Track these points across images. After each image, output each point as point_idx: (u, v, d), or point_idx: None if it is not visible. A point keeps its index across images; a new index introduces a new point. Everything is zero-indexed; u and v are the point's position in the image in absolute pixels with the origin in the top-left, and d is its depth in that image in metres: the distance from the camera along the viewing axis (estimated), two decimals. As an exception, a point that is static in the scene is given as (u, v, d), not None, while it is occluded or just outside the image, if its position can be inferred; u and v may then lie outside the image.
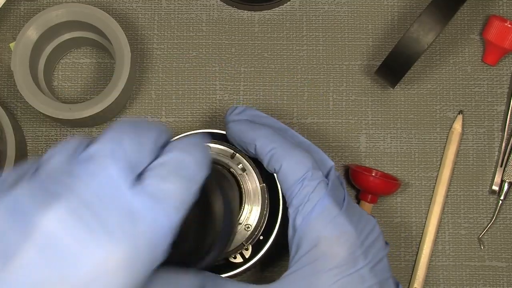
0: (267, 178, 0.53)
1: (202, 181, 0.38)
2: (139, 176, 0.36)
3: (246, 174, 0.53)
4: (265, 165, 0.50)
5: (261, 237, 0.53)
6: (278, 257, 0.61)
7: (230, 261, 0.53)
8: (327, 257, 0.46)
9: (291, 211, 0.48)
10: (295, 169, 0.49)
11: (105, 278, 0.33)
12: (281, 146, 0.50)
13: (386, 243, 0.50)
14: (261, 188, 0.52)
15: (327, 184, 0.48)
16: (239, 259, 0.53)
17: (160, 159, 0.37)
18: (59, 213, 0.33)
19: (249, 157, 0.53)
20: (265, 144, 0.50)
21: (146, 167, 0.37)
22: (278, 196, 0.53)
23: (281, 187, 0.50)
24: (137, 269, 0.34)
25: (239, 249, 0.52)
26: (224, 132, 0.55)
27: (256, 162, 0.53)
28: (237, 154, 0.53)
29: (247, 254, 0.52)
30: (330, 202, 0.48)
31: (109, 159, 0.35)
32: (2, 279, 0.32)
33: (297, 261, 0.47)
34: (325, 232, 0.47)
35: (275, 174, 0.52)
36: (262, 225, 0.53)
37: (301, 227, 0.48)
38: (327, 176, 0.50)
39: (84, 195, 0.34)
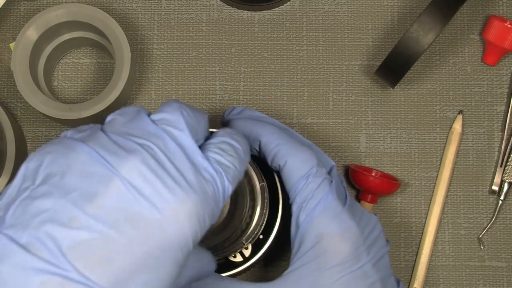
0: (266, 177, 0.53)
1: (246, 165, 0.44)
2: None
3: (246, 173, 0.53)
4: (269, 162, 0.51)
5: (261, 236, 0.53)
6: (278, 256, 0.61)
7: (230, 260, 0.53)
8: (331, 254, 0.47)
9: (294, 207, 0.49)
10: (299, 166, 0.49)
11: (175, 225, 0.37)
12: (286, 143, 0.50)
13: (387, 240, 0.51)
14: (261, 187, 0.52)
15: (331, 181, 0.49)
16: (239, 258, 0.53)
17: (215, 139, 0.43)
18: (137, 164, 0.37)
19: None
20: (270, 141, 0.50)
21: (203, 143, 0.42)
22: (278, 195, 0.53)
23: (285, 184, 0.50)
24: (203, 220, 0.38)
25: (239, 248, 0.52)
26: None
27: (255, 161, 0.53)
28: None
29: (247, 253, 0.52)
30: (334, 199, 0.48)
31: (181, 123, 0.40)
32: (87, 212, 0.36)
33: (300, 258, 0.47)
34: (328, 228, 0.47)
35: (274, 173, 0.52)
36: (262, 224, 0.53)
37: (305, 224, 0.48)
38: (329, 173, 0.50)
39: (159, 151, 0.38)
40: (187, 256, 0.39)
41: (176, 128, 0.40)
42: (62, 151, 0.39)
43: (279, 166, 0.50)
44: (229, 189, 0.41)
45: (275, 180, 0.53)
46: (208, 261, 0.46)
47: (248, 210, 0.52)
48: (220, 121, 0.63)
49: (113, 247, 0.36)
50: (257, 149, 0.51)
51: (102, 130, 0.40)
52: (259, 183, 0.52)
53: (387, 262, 0.49)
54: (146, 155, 0.38)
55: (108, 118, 0.41)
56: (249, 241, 0.52)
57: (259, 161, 0.52)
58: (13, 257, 0.36)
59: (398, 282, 0.50)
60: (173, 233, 0.37)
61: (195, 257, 0.45)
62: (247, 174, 0.52)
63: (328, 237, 0.47)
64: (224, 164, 0.41)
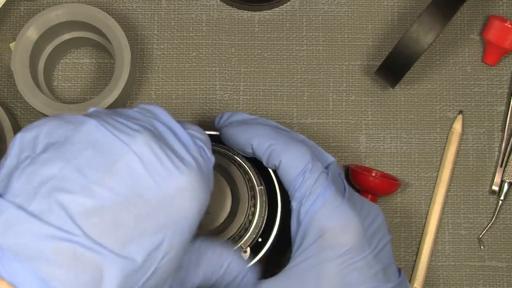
0: (264, 180, 0.53)
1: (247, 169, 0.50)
2: None
3: (248, 177, 0.53)
4: (264, 163, 0.51)
5: (260, 239, 0.53)
6: (278, 258, 0.61)
7: None
8: (333, 247, 0.47)
9: (294, 204, 0.49)
10: (295, 163, 0.49)
11: (180, 200, 0.39)
12: (279, 141, 0.50)
13: (389, 230, 0.51)
14: (259, 191, 0.52)
15: (328, 174, 0.49)
16: None
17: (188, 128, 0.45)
18: (146, 140, 0.40)
19: (246, 159, 0.53)
20: (262, 142, 0.50)
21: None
22: (276, 199, 0.53)
23: (283, 182, 0.50)
24: (203, 193, 0.41)
25: (238, 251, 0.52)
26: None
27: (254, 164, 0.53)
28: (235, 156, 0.53)
29: (245, 256, 0.52)
30: (333, 192, 0.48)
31: (159, 108, 0.43)
32: (98, 182, 0.38)
33: (302, 252, 0.48)
34: (329, 222, 0.47)
35: (272, 174, 0.52)
36: (261, 227, 0.53)
37: (306, 219, 0.48)
38: (326, 168, 0.50)
39: (157, 132, 0.41)
40: (193, 229, 0.41)
41: (160, 113, 0.43)
42: (59, 123, 0.40)
43: (275, 166, 0.50)
44: (213, 160, 0.43)
45: (273, 182, 0.53)
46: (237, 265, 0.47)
47: (248, 215, 0.52)
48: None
49: (124, 215, 0.38)
50: (251, 152, 0.51)
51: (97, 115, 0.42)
52: (258, 186, 0.52)
53: (389, 251, 0.50)
54: (150, 134, 0.40)
55: (90, 109, 0.43)
56: (248, 244, 0.52)
57: (257, 163, 0.52)
58: (23, 225, 0.36)
59: (399, 271, 0.50)
60: (179, 207, 0.39)
61: (211, 257, 0.46)
62: (248, 179, 0.52)
63: (330, 230, 0.47)
64: (201, 138, 0.43)
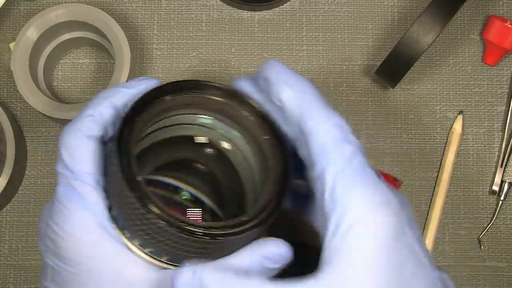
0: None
1: None
2: None
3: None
4: (292, 121, 0.43)
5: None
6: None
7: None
8: (375, 226, 0.41)
9: (327, 177, 0.41)
10: (332, 131, 0.42)
11: None
12: (317, 101, 0.43)
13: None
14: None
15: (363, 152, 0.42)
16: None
17: None
18: None
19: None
20: (298, 97, 0.43)
21: None
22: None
23: (309, 150, 0.42)
24: None
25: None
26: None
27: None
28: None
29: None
30: (372, 171, 0.42)
31: None
32: None
33: (337, 234, 0.41)
34: (369, 200, 0.41)
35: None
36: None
37: (343, 197, 0.41)
38: None
39: None
40: None
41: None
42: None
43: (304, 129, 0.42)
44: None
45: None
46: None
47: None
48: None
49: None
50: (280, 100, 0.43)
51: None
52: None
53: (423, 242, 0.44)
54: None
55: None
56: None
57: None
58: None
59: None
60: None
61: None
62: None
63: (371, 208, 0.41)
64: None
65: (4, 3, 0.61)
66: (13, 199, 0.62)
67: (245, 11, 0.65)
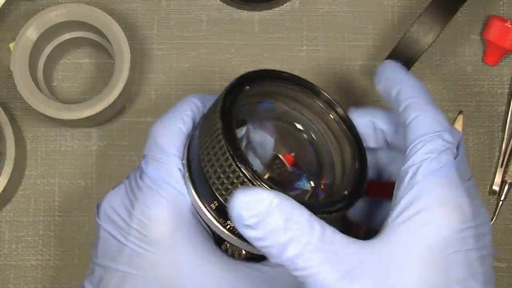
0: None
1: None
2: None
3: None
4: (399, 110, 0.47)
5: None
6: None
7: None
8: (439, 223, 0.42)
9: (411, 164, 0.44)
10: (430, 124, 0.45)
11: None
12: (425, 99, 0.46)
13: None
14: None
15: (456, 154, 0.45)
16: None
17: None
18: None
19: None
20: (410, 91, 0.47)
21: None
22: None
23: (407, 140, 0.45)
24: None
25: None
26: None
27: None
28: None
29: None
30: (456, 171, 0.44)
31: None
32: None
33: (402, 214, 0.43)
34: (443, 195, 0.43)
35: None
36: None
37: (420, 184, 0.43)
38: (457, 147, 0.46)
39: None
40: None
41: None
42: None
43: (408, 118, 0.46)
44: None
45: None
46: None
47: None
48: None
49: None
50: (394, 96, 0.47)
51: None
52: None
53: (491, 268, 0.44)
54: None
55: None
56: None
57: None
58: None
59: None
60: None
61: None
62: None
63: (443, 204, 0.42)
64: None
65: (4, 3, 0.61)
66: (13, 199, 0.62)
67: (245, 11, 0.65)
